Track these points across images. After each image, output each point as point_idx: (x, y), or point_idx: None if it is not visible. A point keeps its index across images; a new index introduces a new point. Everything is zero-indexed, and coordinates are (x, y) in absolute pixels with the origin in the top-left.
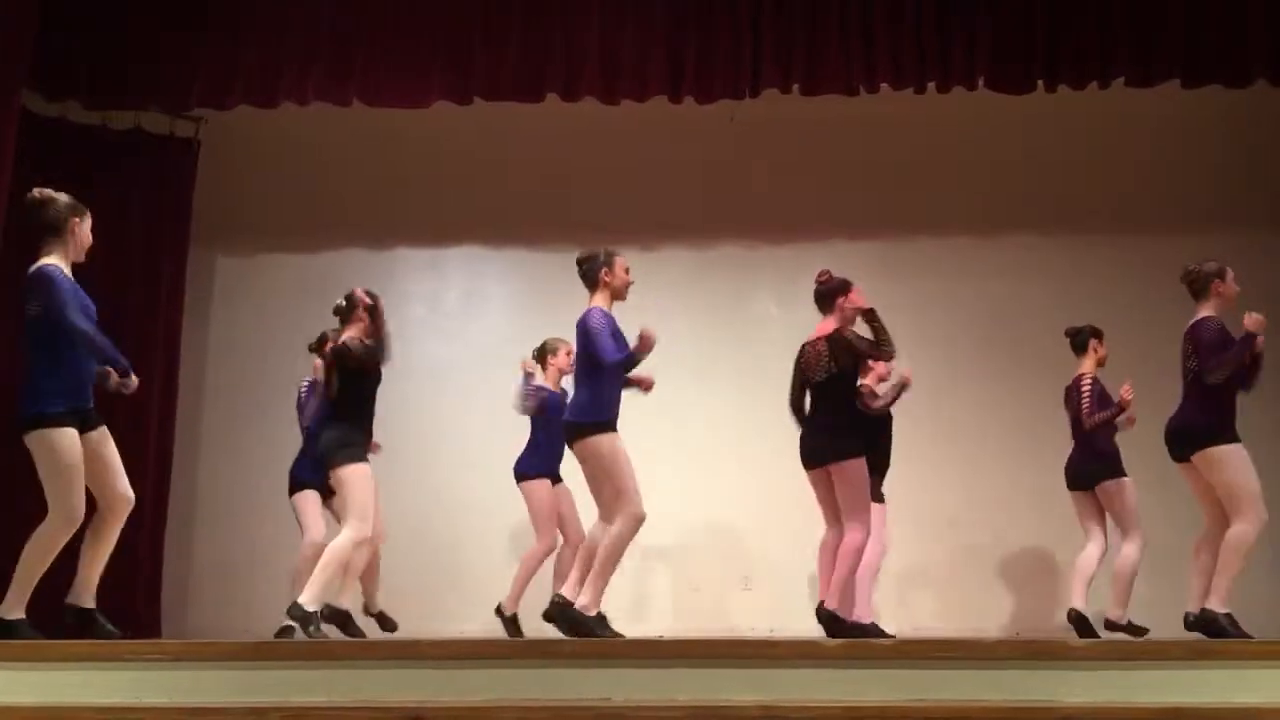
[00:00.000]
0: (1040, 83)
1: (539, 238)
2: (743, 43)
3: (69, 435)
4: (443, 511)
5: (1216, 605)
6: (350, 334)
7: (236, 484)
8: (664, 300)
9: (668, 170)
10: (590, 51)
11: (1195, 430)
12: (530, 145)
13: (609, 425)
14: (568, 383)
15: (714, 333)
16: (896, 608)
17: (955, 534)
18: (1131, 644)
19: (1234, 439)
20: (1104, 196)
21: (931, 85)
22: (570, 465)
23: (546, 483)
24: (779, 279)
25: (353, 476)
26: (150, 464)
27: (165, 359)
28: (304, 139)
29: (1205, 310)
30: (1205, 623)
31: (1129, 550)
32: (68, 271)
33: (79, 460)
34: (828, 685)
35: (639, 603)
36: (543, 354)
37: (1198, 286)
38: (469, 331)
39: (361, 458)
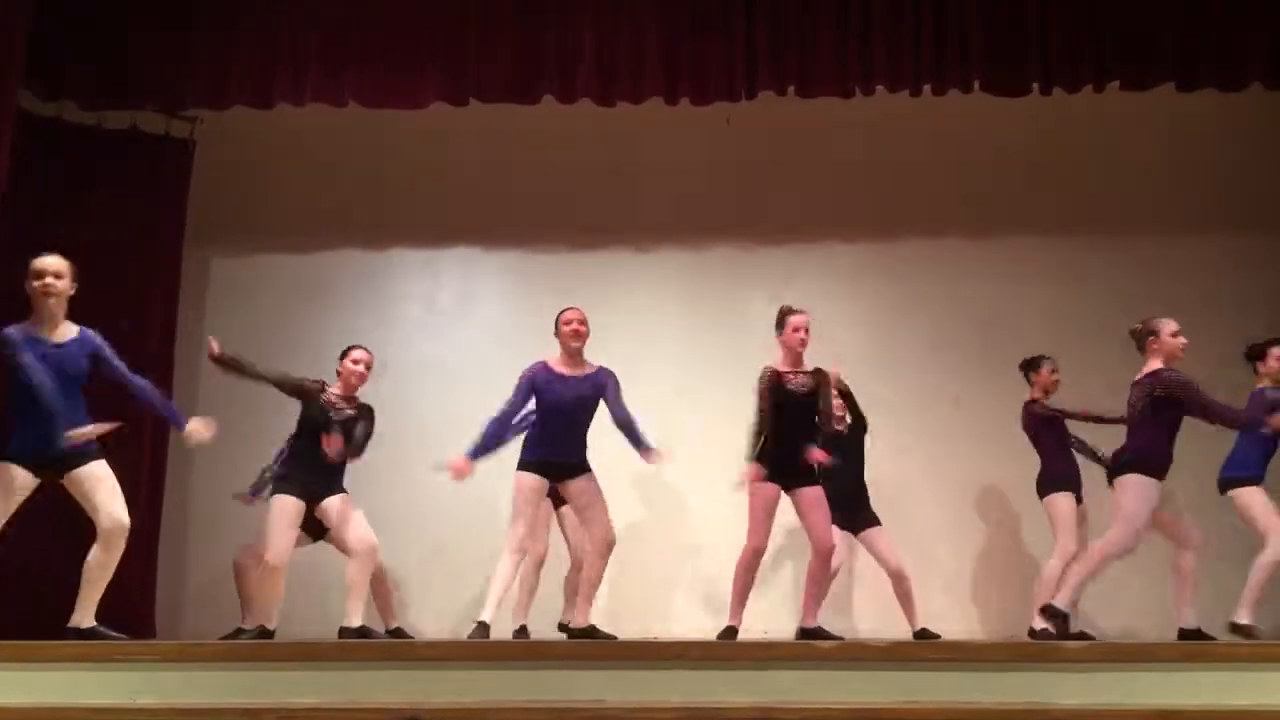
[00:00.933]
0: (1035, 86)
1: (534, 239)
2: (738, 44)
3: None
4: (435, 510)
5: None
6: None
7: (232, 487)
8: (658, 302)
9: (663, 172)
10: (585, 53)
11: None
12: (526, 146)
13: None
14: None
15: (708, 334)
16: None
17: (960, 535)
18: (1124, 646)
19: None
20: (1101, 198)
21: (927, 88)
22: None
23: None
24: (774, 281)
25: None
26: (145, 467)
27: (160, 359)
28: (299, 139)
29: (1155, 363)
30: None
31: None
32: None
33: None
34: (823, 687)
35: (633, 605)
36: None
37: (1139, 344)
38: (464, 332)
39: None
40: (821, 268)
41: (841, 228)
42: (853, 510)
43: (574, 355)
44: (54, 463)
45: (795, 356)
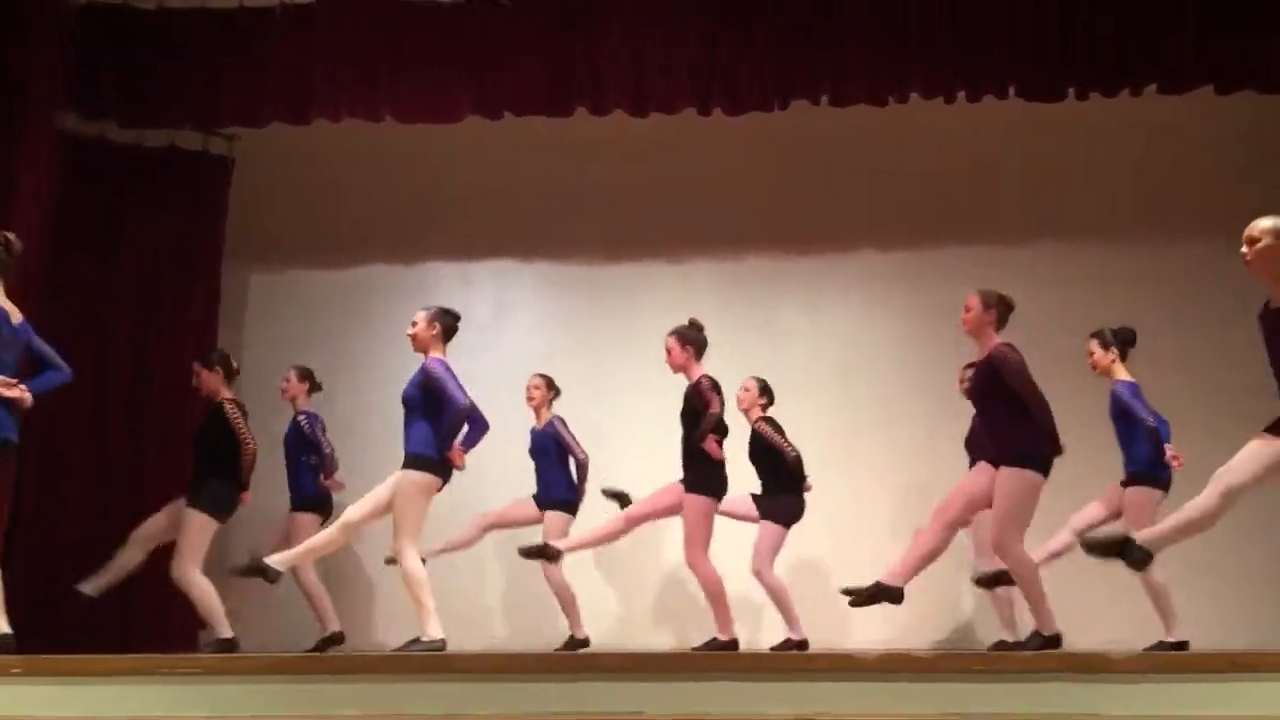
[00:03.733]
0: (1072, 91)
1: (569, 251)
2: (770, 54)
3: None
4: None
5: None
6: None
7: (272, 499)
8: (692, 312)
9: (696, 183)
10: (618, 65)
11: None
12: (559, 159)
13: None
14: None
15: (742, 345)
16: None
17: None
18: (1172, 656)
19: None
20: (1136, 202)
21: (961, 94)
22: None
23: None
24: (807, 290)
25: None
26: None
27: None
28: (335, 155)
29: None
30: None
31: None
32: None
33: None
34: (864, 698)
35: (670, 615)
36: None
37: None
38: (499, 345)
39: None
40: (856, 277)
41: (876, 236)
42: None
43: None
44: None
45: None
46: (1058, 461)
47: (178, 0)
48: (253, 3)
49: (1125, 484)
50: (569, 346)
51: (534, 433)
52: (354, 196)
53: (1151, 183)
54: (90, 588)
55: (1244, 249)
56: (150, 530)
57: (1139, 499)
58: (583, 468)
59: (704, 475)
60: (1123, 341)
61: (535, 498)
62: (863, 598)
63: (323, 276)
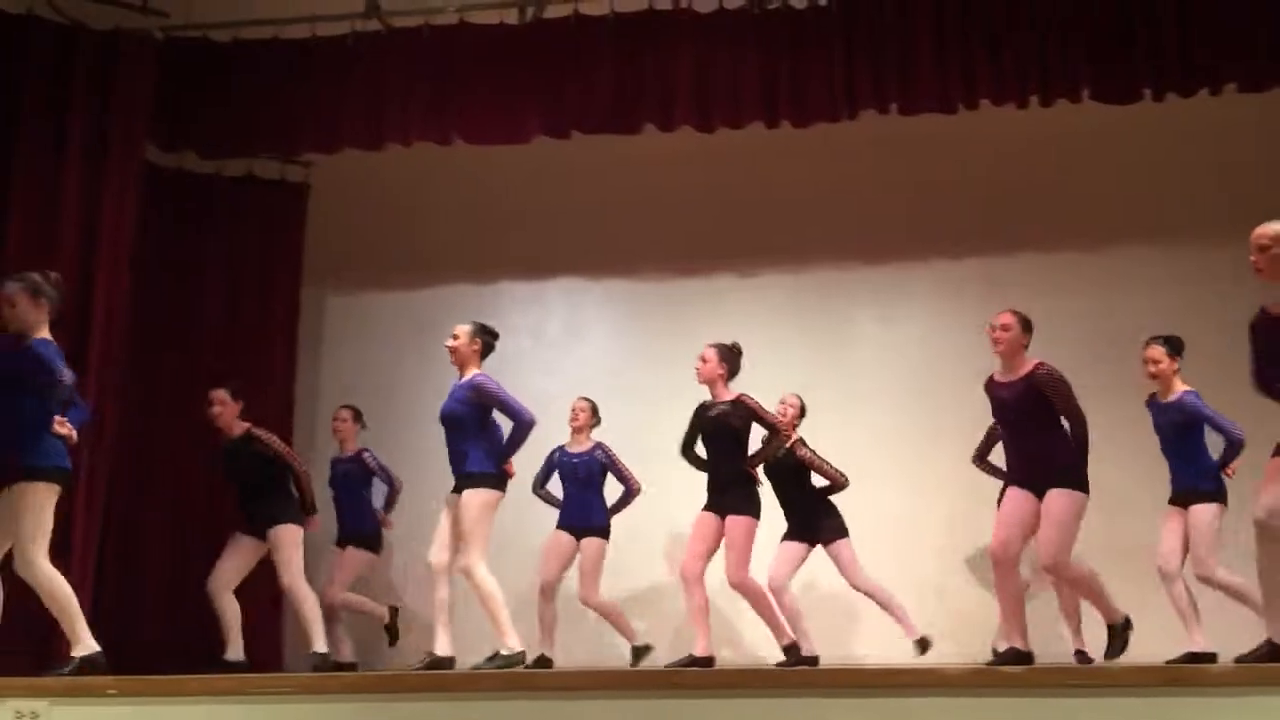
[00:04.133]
0: (1148, 92)
1: (639, 267)
2: (837, 64)
3: None
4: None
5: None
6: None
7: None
8: (764, 325)
9: (764, 195)
10: (684, 80)
11: None
12: (627, 175)
13: None
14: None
15: (814, 356)
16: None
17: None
18: (1273, 669)
19: None
20: (1212, 204)
21: (1034, 99)
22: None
23: (557, 533)
24: (879, 300)
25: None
26: None
27: (281, 396)
28: (407, 178)
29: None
30: None
31: None
32: None
33: None
34: (953, 715)
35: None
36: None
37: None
38: (571, 362)
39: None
40: (927, 286)
41: (947, 245)
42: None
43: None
44: None
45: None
46: None
47: (252, 31)
48: (325, 31)
49: (1187, 502)
50: (640, 363)
51: (574, 456)
52: (426, 218)
53: (1231, 182)
54: (232, 654)
55: (1252, 256)
56: (226, 576)
57: (1208, 517)
58: (633, 495)
59: (747, 496)
60: (1177, 349)
61: (571, 525)
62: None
63: (396, 298)
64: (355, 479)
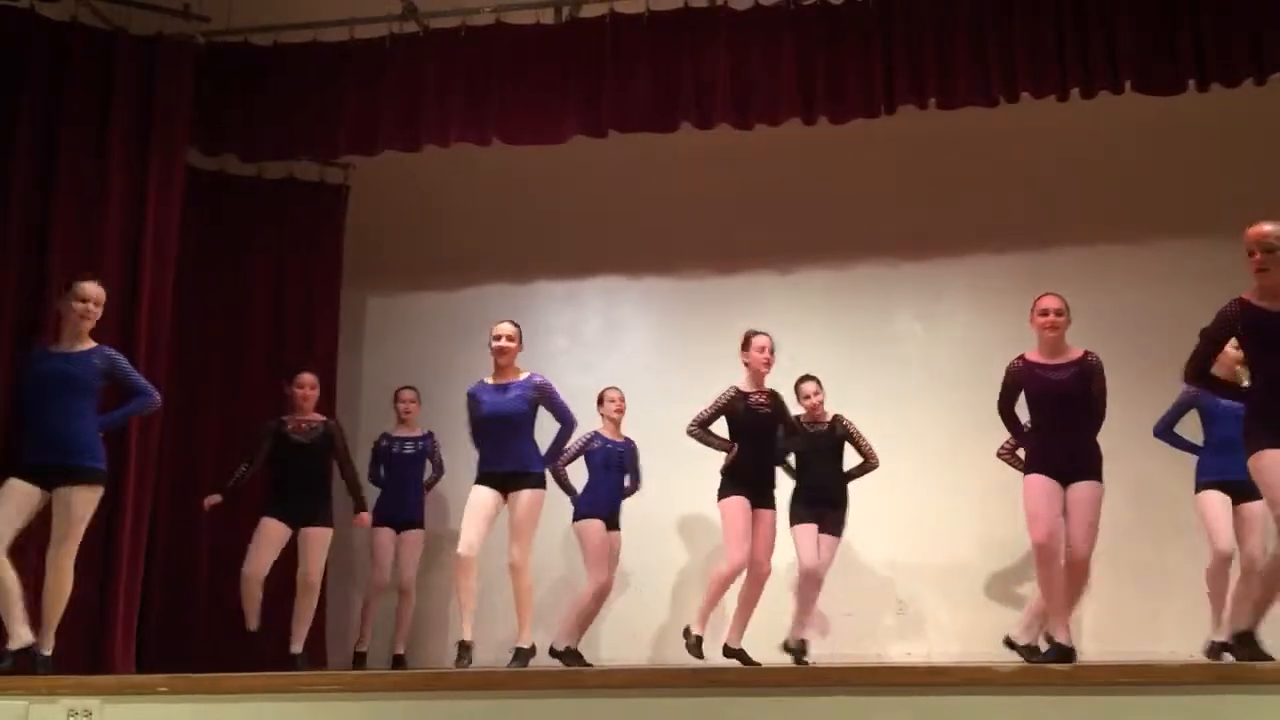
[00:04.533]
0: (1192, 82)
1: (676, 265)
2: (874, 59)
3: None
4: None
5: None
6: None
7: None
8: (803, 323)
9: (802, 192)
10: (721, 78)
11: None
12: (664, 173)
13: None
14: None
15: (855, 353)
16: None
17: (1119, 548)
18: None
19: None
20: (1253, 197)
21: (1075, 91)
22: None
23: (600, 524)
24: (919, 297)
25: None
26: None
27: (323, 397)
28: (445, 179)
29: None
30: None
31: None
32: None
33: None
34: (999, 713)
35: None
36: (600, 402)
37: None
38: (609, 361)
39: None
40: (968, 282)
41: (988, 240)
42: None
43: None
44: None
45: (759, 377)
46: None
47: (291, 34)
48: (363, 33)
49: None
50: (679, 361)
51: (611, 445)
52: (464, 218)
53: (1277, 177)
54: (254, 623)
55: (1256, 255)
56: (266, 565)
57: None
58: (635, 489)
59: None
60: None
61: (611, 516)
62: (1041, 660)
63: (435, 298)
64: (416, 460)
